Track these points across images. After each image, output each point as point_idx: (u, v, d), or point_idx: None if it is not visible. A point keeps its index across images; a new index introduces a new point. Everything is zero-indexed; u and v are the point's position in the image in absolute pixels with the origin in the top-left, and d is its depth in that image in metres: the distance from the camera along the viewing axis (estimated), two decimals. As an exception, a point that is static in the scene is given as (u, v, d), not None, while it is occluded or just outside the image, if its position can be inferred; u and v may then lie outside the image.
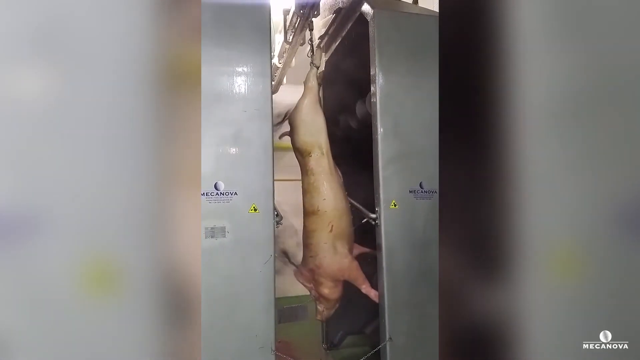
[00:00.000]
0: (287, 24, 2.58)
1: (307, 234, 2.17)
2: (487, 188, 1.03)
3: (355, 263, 2.14)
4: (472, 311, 1.03)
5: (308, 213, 2.16)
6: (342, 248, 2.12)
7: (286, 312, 2.78)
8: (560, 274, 0.99)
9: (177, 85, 1.04)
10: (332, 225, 2.09)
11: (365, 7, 2.03)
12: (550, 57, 1.00)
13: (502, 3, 1.02)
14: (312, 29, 2.38)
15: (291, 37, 2.58)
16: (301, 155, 2.20)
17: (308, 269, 2.19)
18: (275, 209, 1.76)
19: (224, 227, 1.68)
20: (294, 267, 2.37)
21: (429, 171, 1.94)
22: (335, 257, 2.10)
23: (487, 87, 1.03)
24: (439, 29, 1.12)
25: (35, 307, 0.92)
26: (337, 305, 2.27)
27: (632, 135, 0.97)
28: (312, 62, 2.31)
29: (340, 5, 2.33)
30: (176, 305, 1.01)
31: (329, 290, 2.16)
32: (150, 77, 1.01)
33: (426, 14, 2.17)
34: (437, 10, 2.44)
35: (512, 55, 1.01)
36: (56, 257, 0.92)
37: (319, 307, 2.27)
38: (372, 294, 2.04)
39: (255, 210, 1.72)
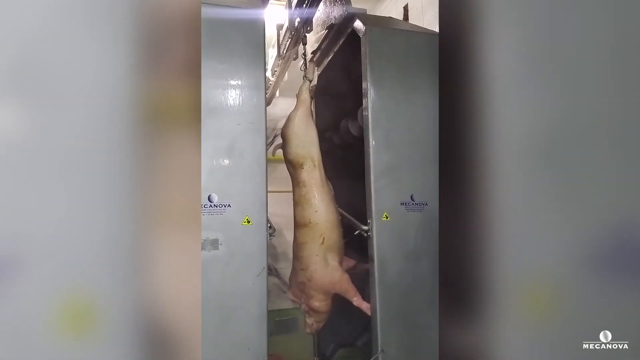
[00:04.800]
0: (281, 38, 2.62)
1: (297, 246, 2.15)
2: (466, 223, 1.05)
3: (346, 276, 2.12)
4: (449, 346, 1.05)
5: (299, 225, 2.15)
6: (333, 261, 2.11)
7: (277, 324, 2.75)
8: (536, 311, 1.00)
9: (168, 123, 1.02)
10: (324, 238, 2.08)
11: (357, 24, 2.08)
12: (526, 96, 1.03)
13: (480, 38, 1.05)
14: (306, 44, 2.43)
15: (284, 51, 2.62)
16: (293, 167, 2.21)
17: (298, 282, 2.17)
18: (268, 221, 1.76)
19: (217, 239, 1.68)
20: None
21: (420, 183, 1.97)
22: (327, 269, 2.08)
23: (468, 122, 1.06)
24: (439, 48, 1.16)
25: (12, 350, 0.89)
26: (327, 318, 2.25)
27: (607, 175, 0.99)
28: (305, 76, 2.34)
29: (333, 21, 2.38)
30: (160, 346, 0.98)
31: (320, 303, 2.14)
32: (135, 115, 0.98)
33: (416, 31, 2.23)
34: (426, 27, 2.52)
35: (489, 92, 1.03)
36: (34, 299, 0.90)
37: (308, 321, 2.26)
38: (364, 306, 2.02)
39: (248, 222, 1.72)
